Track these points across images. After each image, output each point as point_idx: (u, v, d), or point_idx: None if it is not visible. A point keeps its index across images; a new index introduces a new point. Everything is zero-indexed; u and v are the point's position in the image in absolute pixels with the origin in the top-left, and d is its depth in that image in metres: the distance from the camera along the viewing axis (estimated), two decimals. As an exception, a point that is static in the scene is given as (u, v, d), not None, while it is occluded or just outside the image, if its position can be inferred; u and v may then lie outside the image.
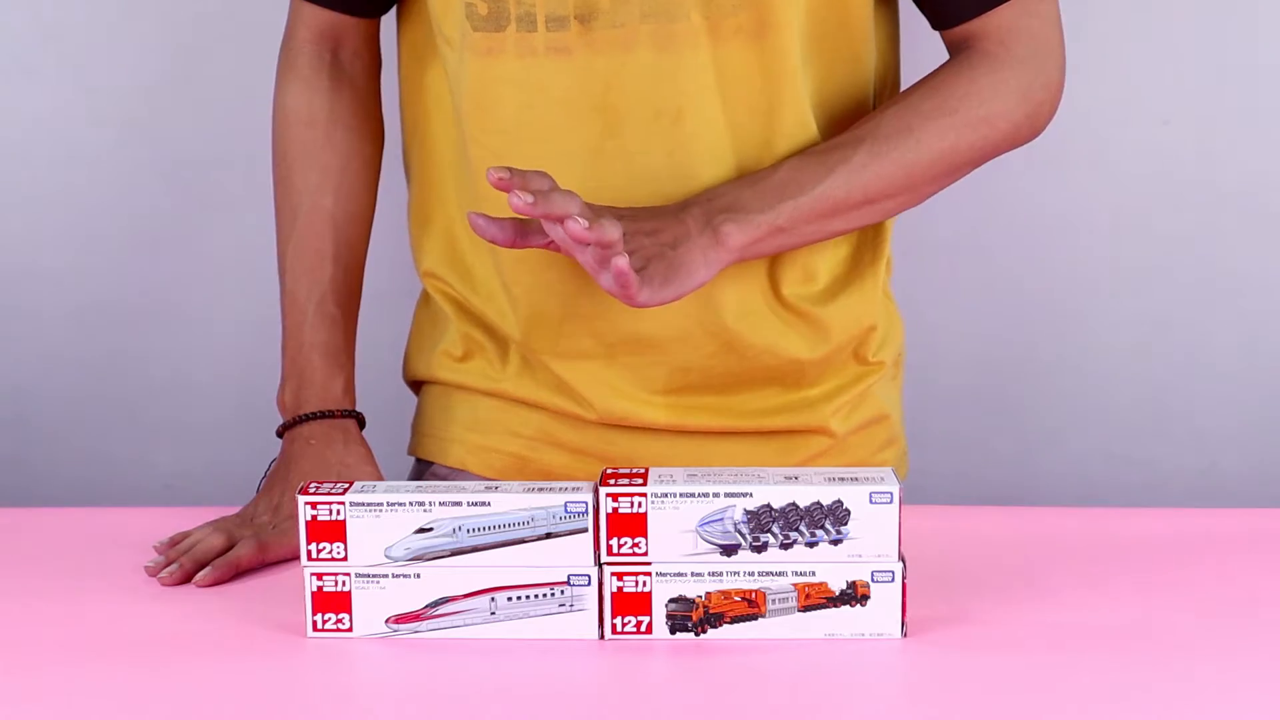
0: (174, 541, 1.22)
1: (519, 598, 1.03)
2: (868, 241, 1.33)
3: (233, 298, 1.68)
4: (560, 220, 1.09)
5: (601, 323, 1.27)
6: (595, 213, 1.11)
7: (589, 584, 1.03)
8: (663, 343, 1.27)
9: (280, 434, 1.31)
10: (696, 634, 1.03)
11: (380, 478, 1.29)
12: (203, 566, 1.17)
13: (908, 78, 1.31)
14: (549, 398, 1.31)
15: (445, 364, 1.35)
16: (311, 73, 1.33)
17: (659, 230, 1.17)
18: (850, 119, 1.28)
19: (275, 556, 1.21)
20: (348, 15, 1.33)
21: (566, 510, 1.02)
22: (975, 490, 1.66)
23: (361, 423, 1.32)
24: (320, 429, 1.29)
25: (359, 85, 1.36)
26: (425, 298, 1.39)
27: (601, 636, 1.04)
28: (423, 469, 1.39)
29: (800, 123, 1.25)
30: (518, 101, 1.23)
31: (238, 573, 1.18)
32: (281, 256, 1.33)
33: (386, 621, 1.04)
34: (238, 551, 1.18)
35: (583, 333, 1.28)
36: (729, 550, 1.02)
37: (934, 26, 1.31)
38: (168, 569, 1.17)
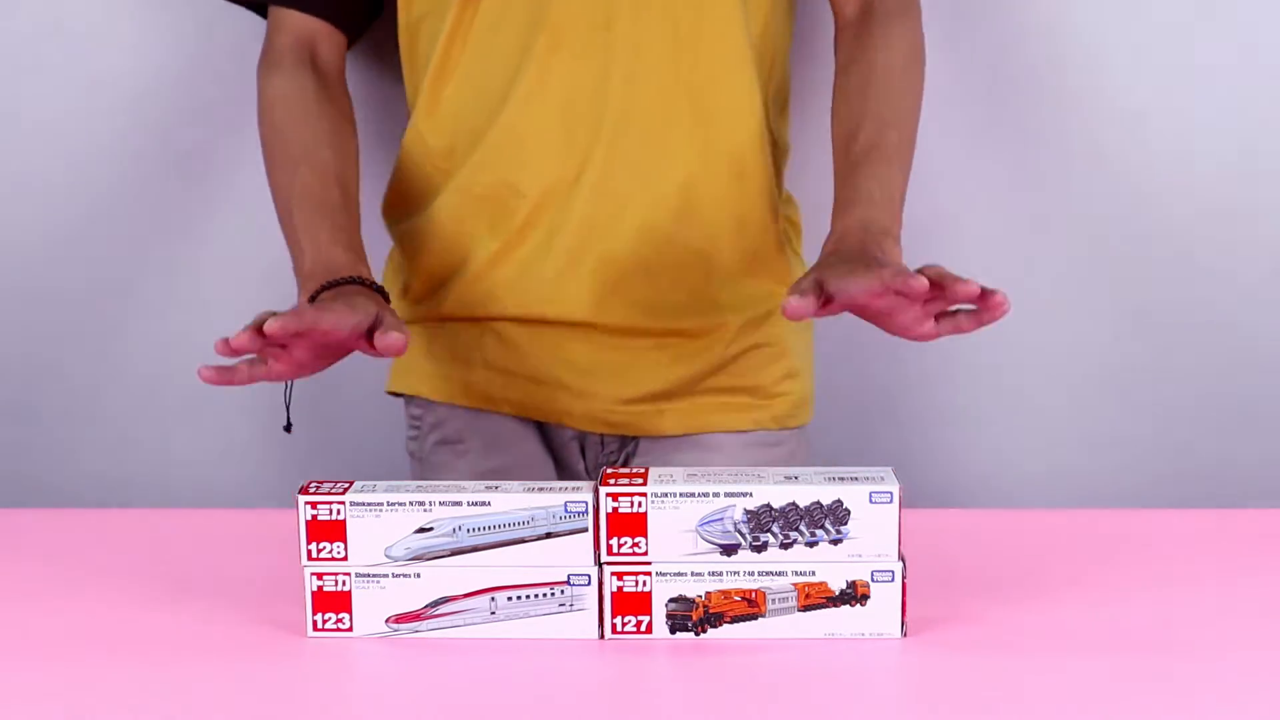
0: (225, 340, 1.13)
1: (519, 597, 1.03)
2: (760, 196, 1.42)
3: (233, 298, 1.68)
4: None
5: (552, 209, 1.37)
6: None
7: (589, 584, 1.03)
8: (592, 231, 1.37)
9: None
10: (696, 634, 1.03)
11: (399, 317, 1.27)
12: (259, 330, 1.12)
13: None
14: (481, 306, 1.41)
15: (397, 304, 1.46)
16: (293, 68, 1.41)
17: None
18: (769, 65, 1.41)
19: (327, 325, 1.15)
20: (327, 23, 1.43)
21: (566, 510, 1.02)
22: (974, 492, 1.66)
23: (387, 300, 1.29)
24: (355, 288, 1.25)
25: (333, 82, 1.44)
26: (389, 261, 1.51)
27: (601, 636, 1.04)
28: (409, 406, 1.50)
29: (733, 45, 1.35)
30: (486, 26, 1.37)
31: (300, 329, 1.12)
32: (286, 201, 1.33)
33: (386, 621, 1.04)
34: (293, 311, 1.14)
35: (539, 221, 1.38)
36: (729, 550, 1.02)
37: None
38: (237, 336, 1.10)
